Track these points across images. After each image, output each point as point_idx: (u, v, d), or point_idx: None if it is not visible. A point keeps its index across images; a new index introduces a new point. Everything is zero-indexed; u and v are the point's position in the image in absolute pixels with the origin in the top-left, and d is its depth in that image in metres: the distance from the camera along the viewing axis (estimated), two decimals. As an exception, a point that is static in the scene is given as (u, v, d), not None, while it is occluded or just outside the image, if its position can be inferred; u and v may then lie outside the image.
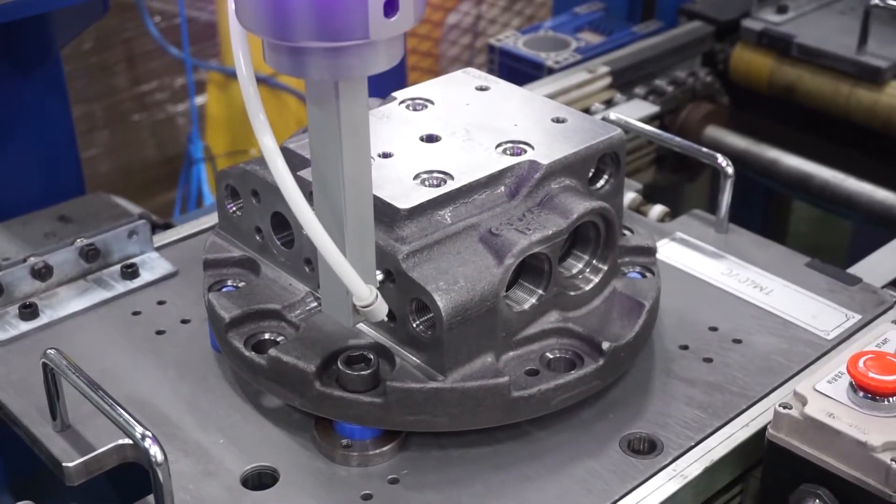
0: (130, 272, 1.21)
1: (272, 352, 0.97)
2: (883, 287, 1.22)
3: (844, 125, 1.72)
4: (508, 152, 1.06)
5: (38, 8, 1.34)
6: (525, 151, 1.06)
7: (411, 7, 0.77)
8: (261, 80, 3.02)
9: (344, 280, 0.85)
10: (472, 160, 1.05)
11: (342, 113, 0.81)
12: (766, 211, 2.28)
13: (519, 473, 0.96)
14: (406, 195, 0.99)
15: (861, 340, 1.01)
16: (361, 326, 1.00)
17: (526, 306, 1.00)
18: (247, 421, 1.02)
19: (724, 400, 1.04)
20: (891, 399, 0.91)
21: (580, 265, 1.06)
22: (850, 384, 0.92)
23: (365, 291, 0.87)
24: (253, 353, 1.00)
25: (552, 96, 1.57)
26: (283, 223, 1.06)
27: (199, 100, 3.25)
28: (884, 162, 1.71)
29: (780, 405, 0.93)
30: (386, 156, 1.05)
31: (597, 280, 1.05)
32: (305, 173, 1.02)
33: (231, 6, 0.76)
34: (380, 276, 0.95)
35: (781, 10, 1.82)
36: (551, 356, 1.00)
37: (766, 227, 2.22)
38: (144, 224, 1.24)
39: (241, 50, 0.78)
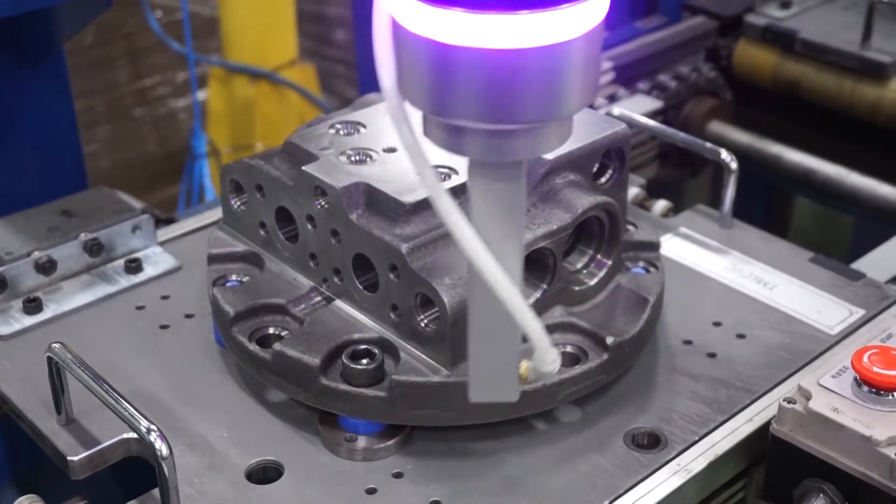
0: (134, 267, 1.21)
1: (277, 346, 0.97)
2: (887, 282, 1.22)
3: (848, 121, 1.72)
4: (513, 147, 1.06)
5: (42, 2, 1.34)
6: (529, 146, 1.06)
7: (580, 92, 0.66)
8: (263, 76, 3.04)
9: (533, 339, 0.72)
10: (476, 155, 1.04)
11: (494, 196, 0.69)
12: (769, 206, 2.28)
13: (523, 467, 0.96)
14: (411, 190, 0.99)
15: (865, 335, 1.01)
16: (366, 321, 1.00)
17: (530, 301, 1.00)
18: (251, 415, 1.02)
19: (728, 395, 1.04)
20: (895, 394, 0.91)
21: (584, 260, 1.06)
22: (855, 379, 0.92)
23: (553, 352, 0.74)
24: (257, 347, 1.00)
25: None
26: (287, 217, 1.06)
27: (201, 95, 3.25)
28: (887, 157, 1.71)
29: (784, 400, 0.93)
30: (390, 150, 1.05)
31: (601, 275, 1.05)
32: (311, 167, 1.02)
33: (388, 77, 0.66)
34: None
35: (785, 5, 1.82)
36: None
37: (770, 222, 2.22)
38: (148, 219, 1.24)
39: (405, 124, 0.66)
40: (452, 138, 0.68)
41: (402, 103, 0.66)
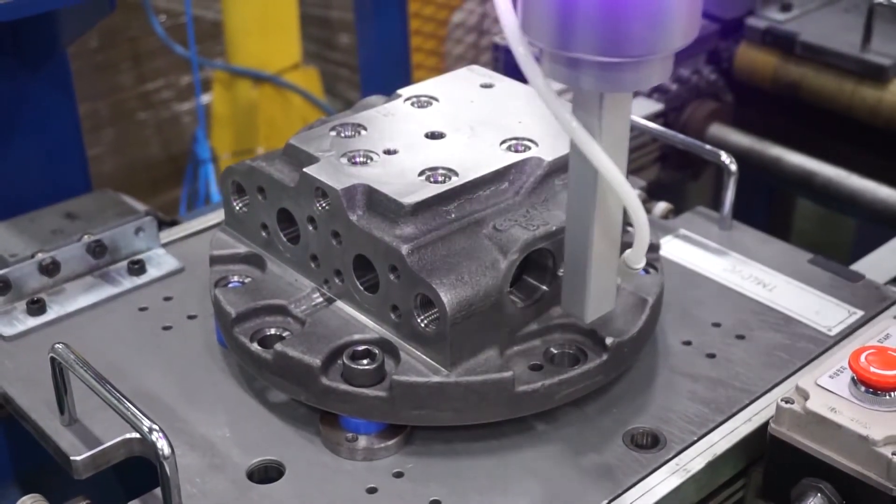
0: (137, 268, 1.22)
1: (278, 347, 0.98)
2: (886, 283, 1.22)
3: (848, 123, 1.72)
4: (513, 149, 1.07)
5: (45, 6, 1.35)
6: (529, 148, 1.07)
7: (684, 27, 0.79)
8: (266, 79, 3.05)
9: (640, 236, 0.88)
10: (476, 157, 1.05)
11: (603, 125, 0.84)
12: (770, 208, 2.28)
13: (523, 467, 0.97)
14: (411, 191, 0.99)
15: (863, 336, 1.02)
16: (366, 321, 1.01)
17: (530, 302, 1.01)
18: (253, 415, 1.03)
19: (727, 395, 1.05)
20: (892, 394, 0.91)
21: (584, 261, 1.06)
22: (852, 379, 0.93)
23: (643, 255, 0.91)
24: (259, 347, 1.01)
25: (559, 94, 1.57)
26: (289, 219, 1.07)
27: (205, 98, 3.26)
28: (887, 160, 1.71)
29: (782, 400, 0.94)
30: (391, 152, 1.06)
31: (600, 276, 1.05)
32: (311, 169, 1.02)
33: (511, 21, 0.79)
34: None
35: (786, 8, 1.82)
36: (555, 351, 1.01)
37: (771, 224, 2.22)
38: (151, 220, 1.25)
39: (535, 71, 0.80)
40: (569, 72, 0.80)
41: (527, 45, 0.79)
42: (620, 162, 0.87)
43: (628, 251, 0.92)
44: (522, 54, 0.79)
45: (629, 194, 0.85)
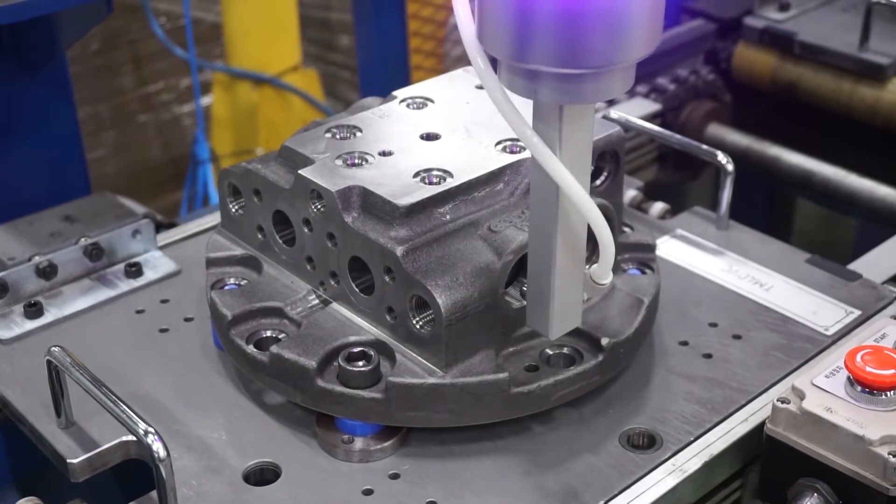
0: (134, 271, 1.22)
1: (274, 349, 0.98)
2: (883, 283, 1.22)
3: (846, 122, 1.72)
4: (508, 150, 1.07)
5: (44, 9, 1.35)
6: (524, 149, 1.07)
7: (644, 38, 0.77)
8: (266, 81, 3.05)
9: (605, 251, 0.87)
10: (471, 158, 1.05)
11: (563, 137, 0.82)
12: (770, 208, 2.28)
13: (519, 468, 0.97)
14: (406, 193, 0.99)
15: (860, 335, 1.01)
16: (362, 323, 1.01)
17: (525, 303, 1.01)
18: (249, 417, 1.03)
19: (724, 395, 1.04)
20: (888, 393, 0.91)
21: (580, 262, 1.06)
22: (848, 379, 0.93)
23: (610, 270, 0.90)
24: (255, 350, 1.01)
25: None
26: (285, 221, 1.07)
27: (205, 100, 3.26)
28: (885, 159, 1.71)
29: (777, 400, 0.94)
30: (386, 154, 1.06)
31: (596, 276, 1.05)
32: (307, 171, 1.02)
33: (469, 30, 0.77)
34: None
35: (783, 7, 1.82)
36: (551, 352, 1.01)
37: (771, 224, 2.22)
38: (148, 223, 1.25)
39: (490, 76, 0.79)
40: (527, 84, 0.79)
41: (485, 56, 0.78)
42: (582, 175, 0.84)
43: (594, 266, 0.90)
44: (480, 66, 0.77)
45: (590, 209, 0.83)
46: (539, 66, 0.76)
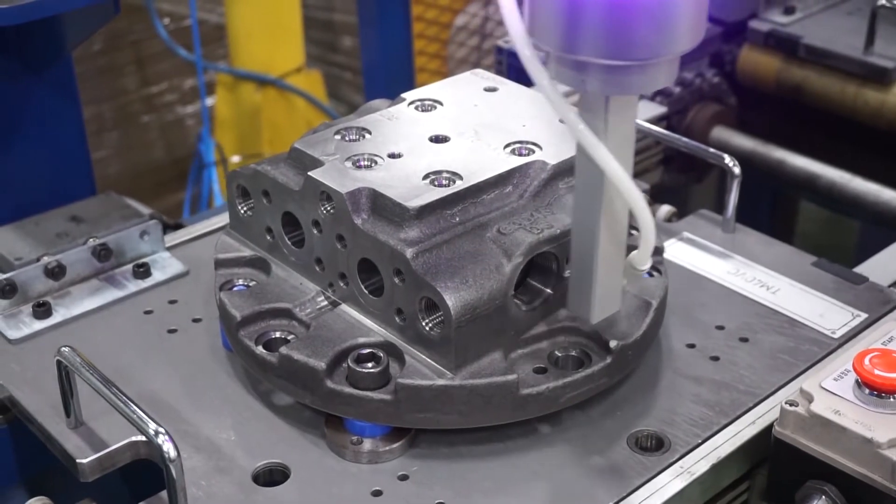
0: (142, 271, 1.22)
1: (283, 350, 0.98)
2: (889, 286, 1.22)
3: (851, 125, 1.72)
4: (517, 152, 1.07)
5: (50, 10, 1.35)
6: (533, 151, 1.07)
7: (689, 31, 0.80)
8: (270, 83, 3.06)
9: (646, 238, 0.89)
10: (480, 160, 1.06)
11: (609, 127, 0.85)
12: (774, 211, 2.28)
13: (527, 470, 0.97)
14: (415, 195, 1.00)
15: (867, 338, 1.02)
16: (371, 325, 1.01)
17: (534, 305, 1.01)
18: (258, 418, 1.03)
19: (731, 398, 1.05)
20: (896, 396, 0.91)
21: (588, 264, 1.07)
22: (856, 381, 0.93)
23: (649, 257, 0.92)
24: (264, 351, 1.01)
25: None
26: (294, 223, 1.07)
27: (208, 102, 3.27)
28: (891, 162, 1.71)
29: (786, 402, 0.94)
30: (395, 156, 1.06)
31: (604, 279, 1.06)
32: (316, 173, 1.03)
33: (516, 22, 0.79)
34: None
35: (788, 10, 1.82)
36: (559, 354, 1.01)
37: (775, 227, 2.22)
38: (156, 224, 1.26)
39: (537, 68, 0.80)
40: (576, 75, 0.81)
41: (532, 47, 0.79)
42: (626, 164, 0.87)
43: (634, 252, 0.93)
44: (528, 57, 0.79)
45: (635, 196, 0.85)
46: (588, 58, 0.80)
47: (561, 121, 1.11)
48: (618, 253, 0.93)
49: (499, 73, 1.80)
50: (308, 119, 3.05)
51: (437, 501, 0.94)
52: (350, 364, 0.97)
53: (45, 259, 1.18)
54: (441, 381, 0.95)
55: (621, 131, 0.86)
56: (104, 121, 3.37)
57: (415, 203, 0.98)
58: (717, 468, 0.98)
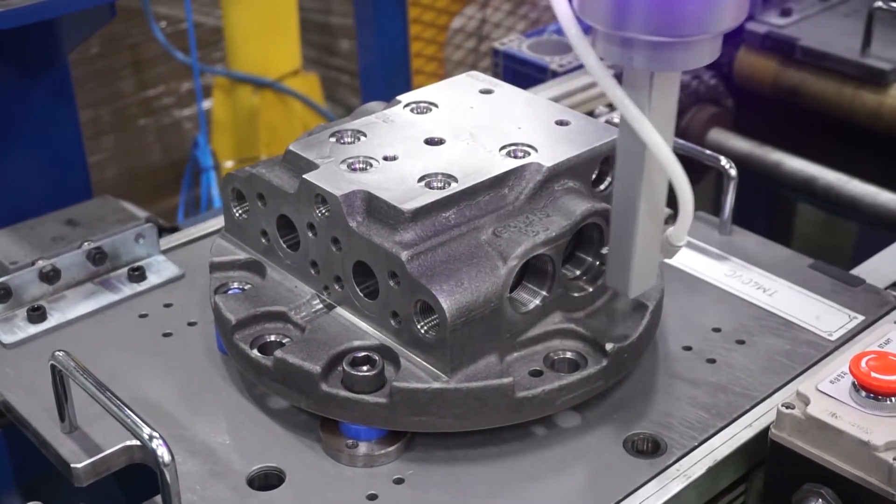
0: (137, 275, 1.22)
1: (278, 353, 0.98)
2: (886, 288, 1.22)
3: (848, 127, 1.72)
4: (512, 155, 1.07)
5: (46, 13, 1.35)
6: (529, 154, 1.07)
7: (733, 8, 0.82)
8: (267, 85, 3.05)
9: (685, 213, 0.90)
10: (476, 162, 1.05)
11: (653, 103, 0.87)
12: (772, 214, 2.28)
13: (523, 473, 0.97)
14: (410, 197, 0.99)
15: (864, 341, 1.01)
16: (366, 328, 1.01)
17: (530, 307, 1.01)
18: (253, 422, 1.03)
19: (728, 400, 1.04)
20: (893, 399, 0.91)
21: (583, 267, 1.06)
22: (853, 384, 0.93)
23: (686, 232, 0.94)
24: (259, 354, 1.01)
25: (556, 99, 1.58)
26: (289, 225, 1.07)
27: (205, 104, 3.27)
28: (888, 164, 1.71)
29: (782, 405, 0.94)
30: (390, 158, 1.06)
31: (600, 281, 1.05)
32: (311, 176, 1.02)
33: (564, 7, 0.82)
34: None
35: (785, 12, 1.82)
36: (555, 357, 1.01)
37: (772, 229, 2.23)
38: (151, 227, 1.25)
39: (585, 47, 0.83)
40: (622, 51, 0.84)
41: (579, 26, 0.82)
42: (668, 139, 0.89)
43: (671, 228, 0.95)
44: (575, 35, 0.82)
45: (678, 171, 0.87)
46: (635, 34, 0.82)
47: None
48: (656, 228, 0.94)
49: (495, 75, 1.80)
50: (305, 122, 3.05)
51: (432, 505, 0.94)
52: (345, 367, 0.97)
53: (40, 263, 1.18)
54: (436, 385, 0.95)
55: (665, 107, 0.88)
56: (101, 124, 3.37)
57: (410, 206, 0.98)
58: (713, 471, 0.97)
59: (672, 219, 1.32)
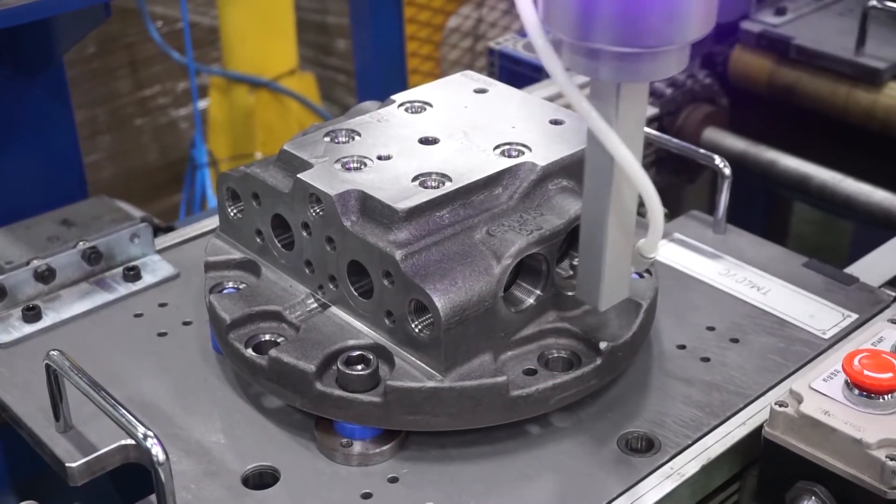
0: (132, 275, 1.22)
1: (272, 352, 0.98)
2: (880, 286, 1.23)
3: (843, 126, 1.73)
4: (506, 154, 1.07)
5: (41, 13, 1.35)
6: (522, 153, 1.07)
7: (700, 19, 0.81)
8: (263, 85, 3.05)
9: (655, 226, 0.90)
10: (470, 162, 1.05)
11: (620, 114, 0.86)
12: (767, 212, 2.28)
13: (518, 472, 0.97)
14: (404, 196, 0.99)
15: (857, 339, 1.02)
16: (361, 327, 1.01)
17: (524, 306, 1.01)
18: (248, 421, 1.03)
19: (722, 399, 1.05)
20: (886, 397, 0.91)
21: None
22: (846, 382, 0.93)
23: (657, 244, 0.94)
24: (253, 353, 1.01)
25: (552, 99, 1.58)
26: (284, 225, 1.07)
27: (201, 104, 3.26)
28: (882, 163, 1.71)
29: (776, 403, 0.94)
30: (384, 158, 1.06)
31: (594, 280, 1.06)
32: (305, 175, 1.02)
33: (531, 18, 0.81)
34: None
35: (780, 11, 1.83)
36: (549, 356, 1.01)
37: (768, 228, 2.23)
38: (146, 227, 1.25)
39: (550, 56, 0.83)
40: (588, 62, 0.83)
41: (545, 35, 0.81)
42: (636, 151, 0.89)
43: (642, 240, 0.94)
44: (542, 46, 0.81)
45: (645, 183, 0.87)
46: (601, 45, 0.81)
47: (550, 118, 1.12)
48: (626, 240, 0.94)
49: (491, 74, 1.81)
50: (301, 121, 3.05)
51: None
52: (340, 366, 0.97)
53: (35, 263, 1.18)
54: (431, 384, 0.95)
55: (632, 118, 0.88)
56: (97, 124, 3.37)
57: (404, 205, 0.98)
58: (707, 469, 0.98)
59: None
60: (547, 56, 0.81)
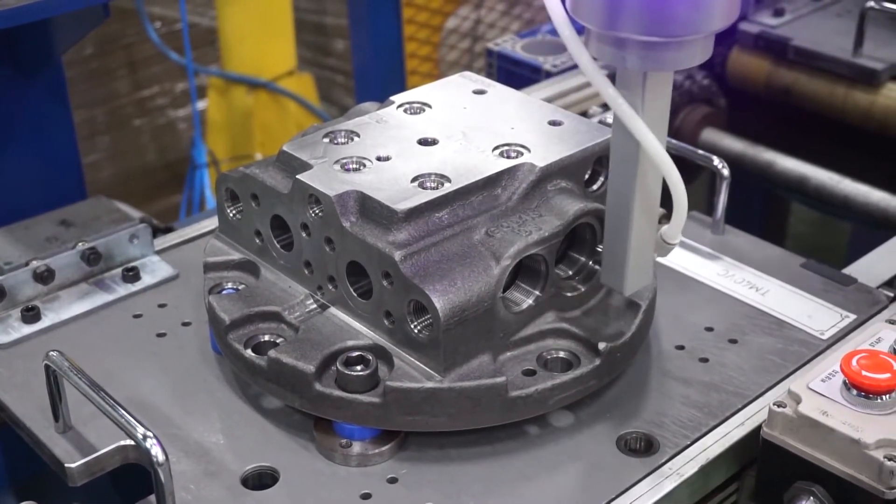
0: (132, 275, 1.22)
1: (272, 353, 0.98)
2: (878, 287, 1.23)
3: (841, 127, 1.73)
4: (505, 155, 1.07)
5: (40, 14, 1.35)
6: (521, 154, 1.07)
7: (724, 9, 0.83)
8: (261, 86, 3.05)
9: (679, 212, 0.92)
10: (469, 163, 1.06)
11: (646, 102, 0.88)
12: (766, 213, 2.29)
13: (517, 472, 0.97)
14: (404, 197, 1.00)
15: (855, 339, 1.02)
16: (360, 327, 1.01)
17: (523, 307, 1.01)
18: (247, 422, 1.03)
19: (720, 399, 1.05)
20: (884, 397, 0.92)
21: (576, 266, 1.07)
22: (844, 382, 0.93)
23: (680, 231, 0.95)
24: (253, 354, 1.01)
25: (550, 99, 1.58)
26: (283, 226, 1.07)
27: (200, 105, 3.27)
28: (880, 163, 1.72)
29: (774, 404, 0.94)
30: (383, 159, 1.07)
31: (593, 281, 1.06)
32: (305, 176, 1.03)
33: (558, 8, 0.83)
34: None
35: (778, 12, 1.83)
36: (548, 356, 1.01)
37: (766, 228, 2.23)
38: (145, 228, 1.25)
39: (576, 44, 0.84)
40: (615, 51, 0.85)
41: (572, 26, 0.83)
42: (661, 138, 0.90)
43: (665, 226, 0.95)
44: (569, 36, 0.83)
45: (671, 169, 0.88)
46: (628, 35, 0.83)
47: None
48: (650, 226, 0.95)
49: (489, 75, 1.81)
50: (300, 122, 3.05)
51: (426, 504, 0.94)
52: (339, 367, 0.97)
53: (34, 263, 1.18)
54: (430, 384, 0.95)
55: (657, 106, 0.89)
56: (96, 124, 3.37)
57: (403, 206, 0.98)
58: (705, 470, 0.98)
59: (666, 217, 1.32)
60: (574, 45, 0.83)
